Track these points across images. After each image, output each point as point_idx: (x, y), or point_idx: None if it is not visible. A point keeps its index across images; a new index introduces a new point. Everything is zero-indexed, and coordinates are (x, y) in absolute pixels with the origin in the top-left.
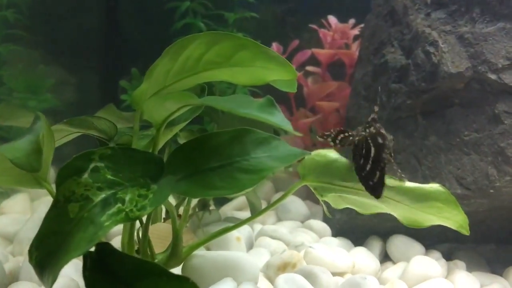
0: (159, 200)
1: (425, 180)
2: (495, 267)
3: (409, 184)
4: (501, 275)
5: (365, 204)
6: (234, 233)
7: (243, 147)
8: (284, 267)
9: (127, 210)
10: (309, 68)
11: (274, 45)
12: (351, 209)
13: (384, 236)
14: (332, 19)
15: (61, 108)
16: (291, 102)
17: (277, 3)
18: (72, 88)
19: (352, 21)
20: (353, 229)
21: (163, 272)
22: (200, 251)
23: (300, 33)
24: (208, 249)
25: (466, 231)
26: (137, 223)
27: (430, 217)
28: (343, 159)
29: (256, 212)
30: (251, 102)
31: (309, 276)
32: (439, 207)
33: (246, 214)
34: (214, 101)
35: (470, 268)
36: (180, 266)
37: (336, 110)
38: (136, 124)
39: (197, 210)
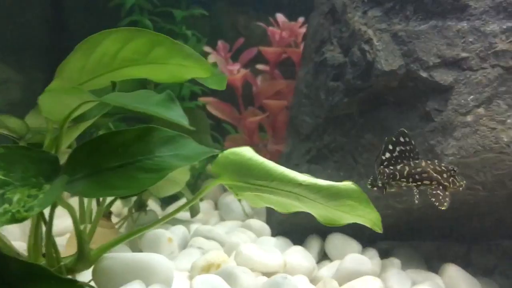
0: (48, 200)
1: (361, 179)
2: (434, 264)
3: (322, 182)
4: (437, 272)
5: (284, 203)
6: (166, 234)
7: (148, 146)
8: (208, 268)
9: (13, 211)
10: (259, 66)
11: (220, 43)
12: None
13: (324, 234)
14: (280, 17)
15: (6, 107)
16: (238, 101)
17: (230, 1)
18: (16, 87)
19: (301, 19)
20: (294, 228)
21: (51, 275)
22: (112, 253)
23: (253, 31)
24: (140, 250)
25: (379, 229)
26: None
27: (345, 215)
28: (258, 157)
29: (195, 212)
30: (150, 97)
31: (229, 276)
32: (352, 205)
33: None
34: (111, 98)
35: (407, 265)
36: (91, 269)
37: (286, 109)
38: (50, 124)
39: (133, 211)
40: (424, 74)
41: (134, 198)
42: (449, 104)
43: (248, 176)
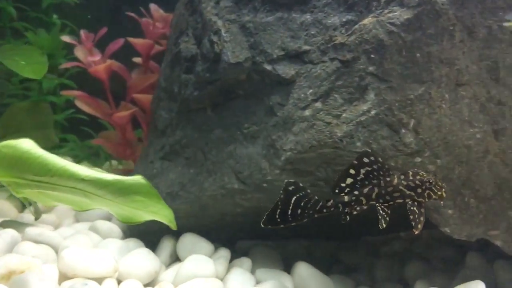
0: None
1: (209, 175)
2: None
3: (107, 176)
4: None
5: (75, 200)
6: None
7: None
8: (9, 276)
9: None
10: (135, 59)
11: (82, 33)
12: None
13: (179, 235)
14: (154, 7)
15: None
16: (107, 95)
17: None
18: None
19: None
20: (149, 229)
21: None
22: None
23: (136, 22)
24: None
25: (174, 226)
26: None
27: (139, 212)
28: (37, 150)
29: (38, 215)
30: None
31: (20, 286)
32: (143, 201)
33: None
34: None
35: (260, 265)
36: None
37: None
38: None
39: None
40: (268, 67)
41: None
42: (290, 98)
43: (26, 172)
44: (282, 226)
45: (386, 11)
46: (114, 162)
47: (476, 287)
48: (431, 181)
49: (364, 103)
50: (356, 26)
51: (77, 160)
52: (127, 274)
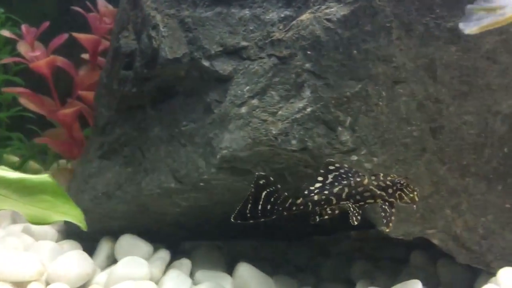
0: None
1: (147, 175)
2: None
3: (11, 174)
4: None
5: None
6: None
7: None
8: None
9: None
10: (83, 55)
11: (23, 27)
12: None
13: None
14: (100, 2)
15: None
16: (51, 91)
17: None
18: None
19: None
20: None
21: None
22: None
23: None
24: None
25: (84, 226)
26: None
27: (48, 213)
28: None
29: None
30: None
31: None
32: (51, 202)
33: None
34: None
35: (201, 266)
36: None
37: None
38: None
39: None
40: (206, 63)
41: None
42: (227, 95)
43: None
44: (251, 221)
45: (323, 7)
46: (63, 162)
47: (414, 286)
48: (402, 182)
49: (300, 100)
50: (294, 22)
51: (23, 159)
52: (56, 277)
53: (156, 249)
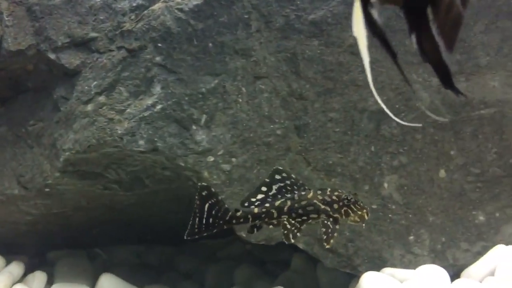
0: None
1: None
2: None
3: None
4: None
5: None
6: None
7: None
8: None
9: None
10: None
11: None
12: None
13: None
14: None
15: None
16: None
17: None
18: None
19: None
20: None
21: None
22: None
23: None
24: None
25: None
26: None
27: None
28: None
29: None
30: None
31: None
32: None
33: None
34: None
35: (62, 278)
36: None
37: None
38: None
39: None
40: (52, 56)
41: None
42: (74, 91)
43: None
44: (197, 236)
45: None
46: None
47: None
48: (349, 198)
49: (150, 97)
50: (145, 12)
51: None
52: None
53: (9, 261)
